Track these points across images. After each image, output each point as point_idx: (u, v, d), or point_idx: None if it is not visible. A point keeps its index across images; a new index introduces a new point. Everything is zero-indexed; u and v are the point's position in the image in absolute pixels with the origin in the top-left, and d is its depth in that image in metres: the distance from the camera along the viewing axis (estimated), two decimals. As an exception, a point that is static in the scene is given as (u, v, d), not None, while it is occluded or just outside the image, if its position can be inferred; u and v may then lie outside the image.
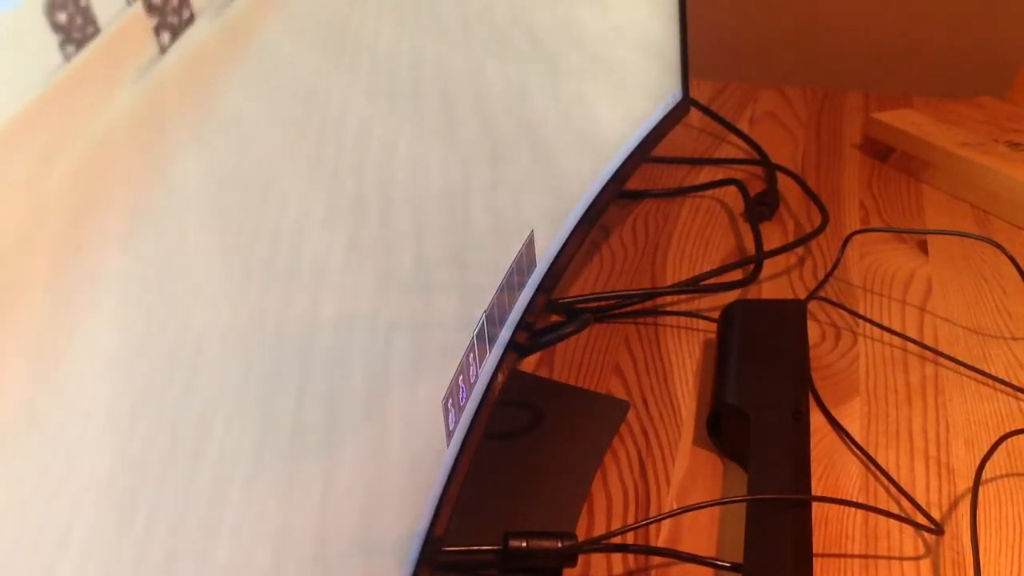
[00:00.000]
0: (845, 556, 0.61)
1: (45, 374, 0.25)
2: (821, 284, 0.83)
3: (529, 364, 0.76)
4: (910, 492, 0.65)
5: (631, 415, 0.72)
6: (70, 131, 0.25)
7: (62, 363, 0.25)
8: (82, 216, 0.26)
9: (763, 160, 1.02)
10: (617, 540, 0.61)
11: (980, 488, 0.64)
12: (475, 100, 0.54)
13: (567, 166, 0.71)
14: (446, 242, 0.51)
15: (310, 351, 0.38)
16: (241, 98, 0.33)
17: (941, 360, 0.77)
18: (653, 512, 0.64)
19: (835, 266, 0.85)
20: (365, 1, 0.42)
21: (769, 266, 0.87)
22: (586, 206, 0.75)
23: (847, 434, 0.70)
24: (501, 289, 0.59)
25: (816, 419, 0.71)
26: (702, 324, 0.81)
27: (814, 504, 0.63)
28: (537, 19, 0.64)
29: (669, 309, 0.83)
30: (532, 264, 0.65)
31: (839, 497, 0.65)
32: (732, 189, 0.98)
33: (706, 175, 1.02)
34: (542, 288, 0.66)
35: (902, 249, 0.90)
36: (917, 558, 0.61)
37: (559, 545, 0.58)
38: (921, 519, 0.62)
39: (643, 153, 0.86)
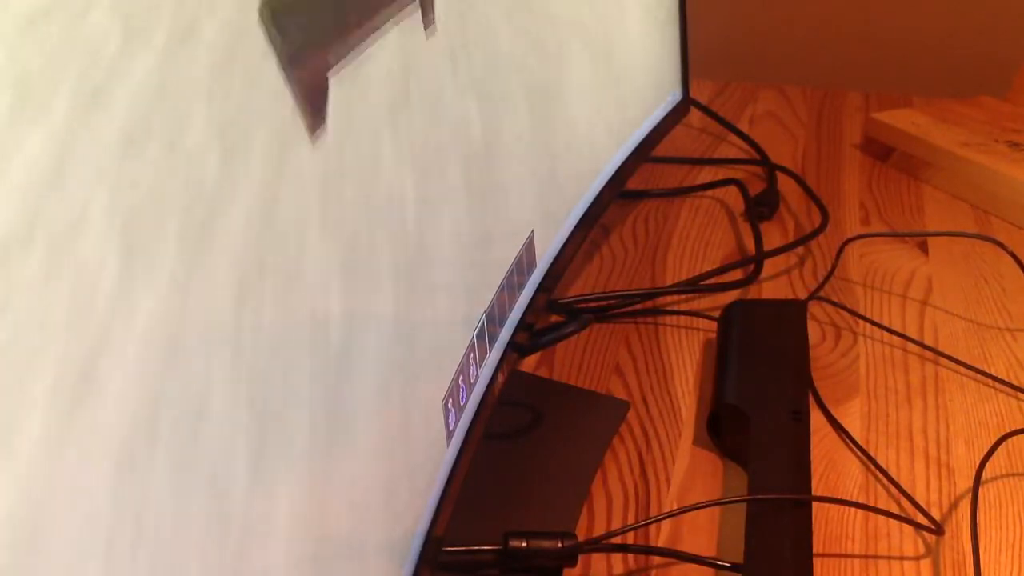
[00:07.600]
0: (845, 556, 0.61)
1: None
2: (821, 285, 0.83)
3: (529, 364, 0.76)
4: (910, 492, 0.65)
5: (631, 415, 0.72)
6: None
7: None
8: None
9: (763, 160, 1.02)
10: (617, 540, 0.61)
11: (980, 488, 0.64)
12: (476, 98, 0.54)
13: (567, 166, 0.71)
14: (446, 241, 0.51)
15: (309, 351, 0.38)
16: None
17: (941, 360, 0.77)
18: (653, 512, 0.64)
19: (832, 270, 0.85)
20: None
21: (769, 266, 0.87)
22: (586, 206, 0.75)
23: (847, 434, 0.70)
24: (501, 289, 0.59)
25: (816, 419, 0.71)
26: (702, 324, 0.81)
27: (814, 504, 0.63)
28: (537, 18, 0.64)
29: (669, 309, 0.83)
30: (532, 264, 0.65)
31: (839, 497, 0.65)
32: (732, 189, 0.98)
33: (706, 175, 1.02)
34: (542, 288, 0.66)
35: (902, 249, 0.90)
36: (917, 558, 0.61)
37: (559, 545, 0.58)
38: (921, 519, 0.62)
39: (643, 153, 0.86)
